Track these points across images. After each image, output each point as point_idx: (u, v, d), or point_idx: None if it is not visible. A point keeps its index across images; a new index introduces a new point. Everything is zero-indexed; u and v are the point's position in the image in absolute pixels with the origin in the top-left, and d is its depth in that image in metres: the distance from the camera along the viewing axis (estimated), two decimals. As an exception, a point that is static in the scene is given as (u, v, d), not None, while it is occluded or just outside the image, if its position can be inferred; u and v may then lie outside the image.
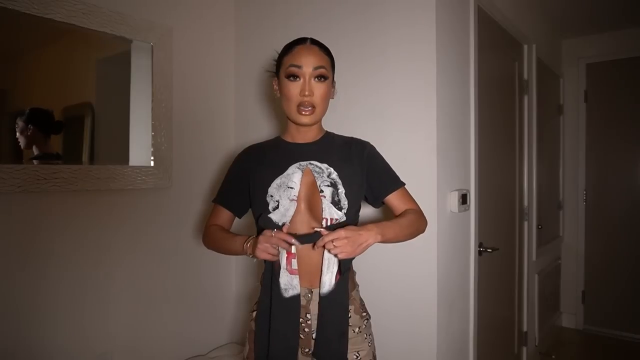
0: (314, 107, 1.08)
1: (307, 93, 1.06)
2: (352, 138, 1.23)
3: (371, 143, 1.22)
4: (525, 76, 2.59)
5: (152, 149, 1.80)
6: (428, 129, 1.55)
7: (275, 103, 1.99)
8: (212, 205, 1.25)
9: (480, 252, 1.90)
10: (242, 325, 2.16)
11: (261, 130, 2.05)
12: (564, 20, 3.07)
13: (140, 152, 1.78)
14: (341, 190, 1.09)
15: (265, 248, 1.00)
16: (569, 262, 3.50)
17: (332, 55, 1.14)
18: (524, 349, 2.56)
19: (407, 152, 1.58)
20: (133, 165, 1.74)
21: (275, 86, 1.17)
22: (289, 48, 1.12)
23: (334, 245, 0.96)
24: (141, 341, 1.79)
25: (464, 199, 1.69)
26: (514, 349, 2.46)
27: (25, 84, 1.49)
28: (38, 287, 1.49)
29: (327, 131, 1.22)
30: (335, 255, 1.00)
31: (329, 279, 1.04)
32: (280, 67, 1.12)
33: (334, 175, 1.10)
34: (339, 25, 1.75)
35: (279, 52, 1.16)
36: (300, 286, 1.07)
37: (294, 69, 1.08)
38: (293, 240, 0.99)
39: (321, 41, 1.15)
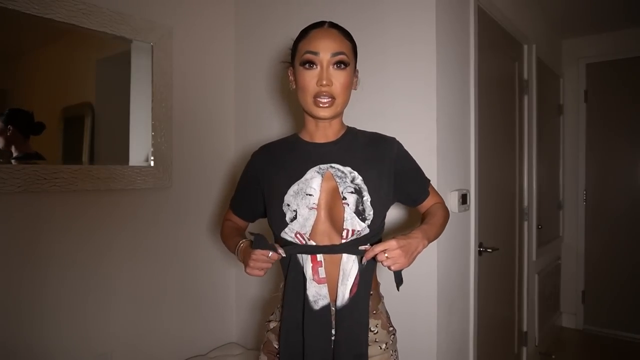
0: (333, 98, 0.97)
1: (324, 82, 0.95)
2: (376, 134, 1.12)
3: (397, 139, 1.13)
4: (525, 76, 2.59)
5: (152, 149, 1.80)
6: (428, 128, 1.55)
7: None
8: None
9: (480, 252, 1.90)
10: (242, 325, 2.16)
11: (261, 130, 2.05)
12: (564, 20, 3.07)
13: (140, 152, 1.78)
14: (366, 197, 0.98)
15: (251, 271, 0.95)
16: (569, 262, 3.50)
17: (354, 40, 1.04)
18: (524, 349, 2.56)
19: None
20: (133, 165, 1.74)
21: (290, 77, 1.06)
22: (304, 33, 1.01)
23: (386, 257, 0.89)
24: (141, 341, 1.79)
25: (464, 199, 1.69)
26: (514, 349, 2.46)
27: (25, 84, 1.49)
28: (38, 287, 1.49)
29: (348, 127, 1.11)
30: (389, 267, 0.91)
31: (342, 292, 0.96)
32: (295, 55, 1.01)
33: (359, 180, 0.99)
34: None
35: (294, 38, 1.05)
36: None
37: (309, 56, 0.96)
38: (270, 255, 0.92)
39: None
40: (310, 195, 0.98)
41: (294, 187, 0.99)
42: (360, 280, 0.97)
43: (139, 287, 1.78)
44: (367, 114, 1.68)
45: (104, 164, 1.64)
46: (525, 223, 2.60)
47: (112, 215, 1.69)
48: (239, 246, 1.03)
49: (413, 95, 1.58)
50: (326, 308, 0.96)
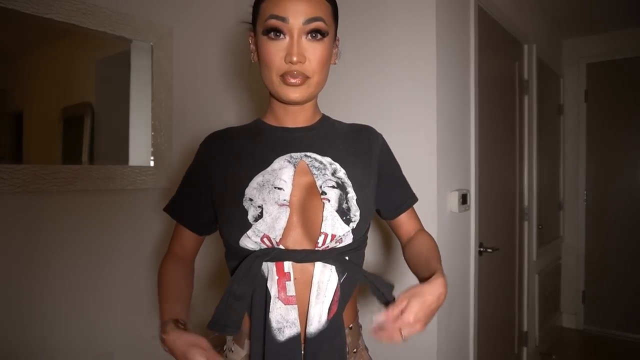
0: (305, 76, 0.75)
1: (294, 58, 0.73)
2: (355, 124, 0.92)
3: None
4: (526, 76, 2.59)
5: (152, 149, 1.80)
6: (428, 129, 1.55)
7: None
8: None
9: (480, 252, 1.90)
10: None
11: (261, 130, 2.04)
12: (564, 20, 3.07)
13: (140, 152, 1.78)
14: (351, 195, 0.77)
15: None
16: (569, 262, 3.49)
17: (335, 4, 0.81)
18: (524, 349, 2.56)
19: (407, 152, 1.57)
20: (133, 165, 1.74)
21: (251, 45, 0.83)
22: None
23: (408, 331, 0.66)
24: (142, 341, 1.79)
25: (464, 199, 1.69)
26: (514, 349, 2.46)
27: (25, 84, 1.49)
28: (38, 287, 1.49)
29: (324, 114, 0.90)
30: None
31: (317, 313, 0.73)
32: (257, 18, 0.77)
33: (341, 173, 0.79)
34: (340, 25, 1.75)
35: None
36: None
37: (275, 22, 0.73)
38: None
39: None
40: (279, 189, 0.75)
41: (258, 179, 0.76)
42: (341, 297, 0.75)
43: (139, 286, 1.78)
44: (367, 114, 1.68)
45: (103, 164, 1.64)
46: (526, 223, 2.59)
47: (111, 215, 1.69)
48: (164, 328, 0.72)
49: (413, 95, 1.58)
50: (294, 340, 0.72)
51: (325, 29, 0.76)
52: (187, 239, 0.89)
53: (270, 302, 0.73)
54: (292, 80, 0.74)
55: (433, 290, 0.70)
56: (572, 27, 3.26)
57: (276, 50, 0.74)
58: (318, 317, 0.73)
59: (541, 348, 2.85)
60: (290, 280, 0.73)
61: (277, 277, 0.73)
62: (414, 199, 0.94)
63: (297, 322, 0.73)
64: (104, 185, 1.63)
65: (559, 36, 3.42)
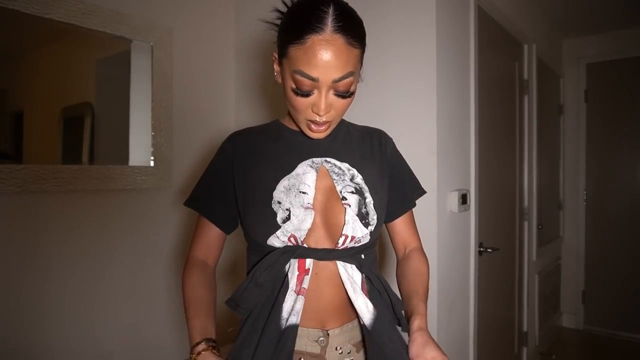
0: (329, 122, 0.79)
1: (322, 113, 0.76)
2: (367, 128, 0.96)
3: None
4: (526, 76, 2.59)
5: (152, 149, 1.80)
6: (428, 129, 1.55)
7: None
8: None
9: (480, 252, 1.90)
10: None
11: (261, 130, 2.04)
12: (564, 20, 3.07)
13: (140, 152, 1.78)
14: (369, 200, 0.83)
15: None
16: (569, 262, 3.50)
17: (363, 36, 0.82)
18: (524, 349, 2.56)
19: (407, 152, 1.56)
20: (133, 165, 1.74)
21: (275, 67, 0.83)
22: (298, 33, 0.72)
23: None
24: (142, 341, 1.79)
25: (464, 199, 1.69)
26: (514, 349, 2.46)
27: (25, 84, 1.49)
28: (38, 287, 1.49)
29: (342, 119, 0.91)
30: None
31: (363, 304, 0.79)
32: (283, 56, 0.77)
33: (359, 179, 0.84)
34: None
35: (279, 13, 0.82)
36: (308, 327, 0.80)
37: (305, 82, 0.73)
38: None
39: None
40: (304, 193, 0.80)
41: (284, 182, 0.81)
42: (369, 288, 0.83)
43: (140, 287, 1.78)
44: (367, 114, 1.68)
45: (103, 164, 1.64)
46: (526, 223, 2.59)
47: (111, 215, 1.68)
48: (198, 347, 0.76)
49: (413, 96, 1.58)
50: (292, 329, 0.76)
51: (353, 86, 0.77)
52: (213, 238, 0.90)
53: (287, 293, 0.78)
54: (317, 127, 0.79)
55: (425, 340, 0.77)
56: (572, 27, 3.26)
57: (304, 104, 0.77)
58: (365, 307, 0.79)
59: (541, 348, 2.85)
60: (308, 275, 0.79)
61: (297, 273, 0.79)
62: (410, 205, 0.95)
63: (300, 313, 0.77)
64: (104, 185, 1.63)
65: (559, 36, 3.42)
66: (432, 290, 1.55)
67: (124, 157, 1.74)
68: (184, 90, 1.93)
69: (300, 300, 0.77)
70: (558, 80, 3.43)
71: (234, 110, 2.18)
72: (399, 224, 0.95)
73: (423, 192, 0.99)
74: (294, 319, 0.76)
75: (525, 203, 2.60)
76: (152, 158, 1.80)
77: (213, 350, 0.76)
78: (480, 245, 1.91)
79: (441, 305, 1.56)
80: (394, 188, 0.92)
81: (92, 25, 1.58)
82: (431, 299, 1.55)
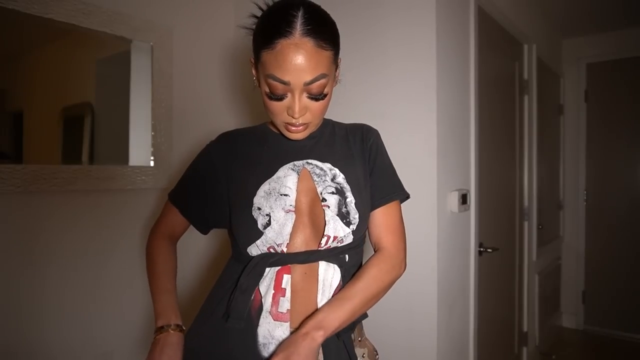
0: (307, 124, 0.80)
1: (296, 116, 0.76)
2: (354, 125, 0.95)
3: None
4: (526, 76, 2.59)
5: (152, 149, 1.80)
6: (428, 129, 1.55)
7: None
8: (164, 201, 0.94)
9: (480, 252, 1.90)
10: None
11: (261, 130, 2.05)
12: (564, 20, 3.07)
13: (140, 152, 1.78)
14: (350, 199, 0.82)
15: None
16: (569, 262, 3.50)
17: (336, 39, 0.80)
18: (524, 349, 2.56)
19: (407, 152, 1.58)
20: (133, 165, 1.74)
21: (253, 71, 0.82)
22: (267, 37, 0.73)
23: None
24: (142, 341, 1.79)
25: (464, 199, 1.69)
26: (514, 349, 2.46)
27: (25, 84, 1.49)
28: (38, 287, 1.49)
29: (326, 119, 0.93)
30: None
31: None
32: (257, 61, 0.77)
33: (340, 178, 0.84)
34: (340, 26, 1.75)
35: (256, 19, 0.80)
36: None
37: (276, 85, 0.74)
38: None
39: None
40: (285, 195, 0.80)
41: (265, 187, 0.81)
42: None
43: (139, 286, 1.78)
44: (366, 115, 1.68)
45: (103, 164, 1.64)
46: (526, 223, 2.59)
47: (111, 215, 1.68)
48: (159, 332, 0.79)
49: (413, 96, 1.58)
50: None
51: (326, 88, 0.77)
52: (179, 226, 0.94)
53: (261, 315, 0.77)
54: (294, 129, 0.79)
55: (289, 343, 0.71)
56: (572, 27, 3.26)
57: (279, 107, 0.77)
58: None
59: (541, 348, 2.85)
60: (285, 296, 0.77)
61: (273, 292, 0.77)
62: (393, 195, 0.89)
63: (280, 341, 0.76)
64: (104, 185, 1.63)
65: (559, 36, 3.42)
66: (432, 290, 1.55)
67: (124, 157, 1.74)
68: (184, 90, 1.93)
69: (281, 328, 0.76)
70: (558, 80, 3.43)
71: (233, 110, 2.18)
72: (373, 219, 0.88)
73: (403, 194, 0.91)
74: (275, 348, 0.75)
75: (525, 203, 2.60)
76: (152, 158, 1.80)
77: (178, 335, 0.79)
78: (480, 245, 1.91)
79: (441, 305, 1.56)
80: (377, 177, 0.89)
81: (92, 25, 1.58)
82: (431, 299, 1.55)
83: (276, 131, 0.90)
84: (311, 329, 0.71)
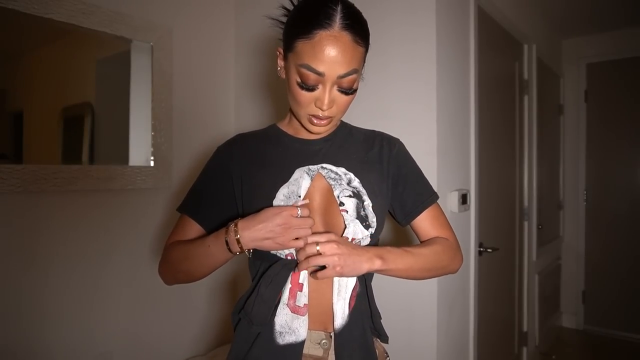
0: (331, 118, 0.80)
1: (325, 108, 0.76)
2: (373, 131, 0.96)
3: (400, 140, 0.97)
4: (526, 76, 2.59)
5: (152, 149, 1.80)
6: (428, 129, 1.55)
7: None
8: (176, 218, 0.94)
9: (480, 252, 1.90)
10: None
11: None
12: (564, 20, 3.07)
13: (140, 152, 1.78)
14: (367, 202, 0.83)
15: (284, 241, 0.75)
16: (569, 262, 3.50)
17: (368, 36, 0.82)
18: (524, 349, 2.56)
19: (407, 152, 1.58)
20: (133, 165, 1.74)
21: (280, 62, 0.83)
22: (306, 28, 0.73)
23: (317, 251, 0.72)
24: (142, 341, 1.79)
25: (464, 199, 1.69)
26: (514, 349, 2.46)
27: (25, 84, 1.49)
28: (38, 287, 1.49)
29: (343, 122, 0.94)
30: (308, 269, 0.77)
31: (341, 309, 0.79)
32: (289, 51, 0.77)
33: (356, 182, 0.84)
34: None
35: (285, 10, 0.82)
36: (311, 330, 0.80)
37: (310, 76, 0.74)
38: (299, 207, 0.75)
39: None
40: (300, 197, 0.82)
41: (284, 190, 0.81)
42: (360, 292, 0.83)
43: (140, 286, 1.78)
44: (367, 114, 1.68)
45: (103, 164, 1.64)
46: (526, 223, 2.59)
47: (111, 215, 1.68)
48: (231, 230, 0.77)
49: (413, 95, 1.58)
50: (293, 348, 0.77)
51: (355, 84, 0.78)
52: (193, 232, 0.91)
53: (277, 307, 0.79)
54: (318, 122, 0.79)
55: (355, 247, 0.76)
56: (572, 27, 3.26)
57: (308, 98, 0.77)
58: (341, 313, 0.79)
59: (541, 348, 2.85)
60: (302, 291, 0.79)
61: (290, 286, 0.79)
62: (430, 199, 0.93)
63: (300, 332, 0.78)
64: (104, 185, 1.63)
65: (559, 36, 3.42)
66: (432, 290, 1.55)
67: (124, 157, 1.74)
68: (184, 90, 1.93)
69: (298, 321, 0.78)
70: (558, 80, 3.43)
71: (233, 110, 2.18)
72: (420, 225, 0.93)
73: (436, 195, 0.96)
74: (291, 338, 0.77)
75: (525, 203, 2.60)
76: (152, 158, 1.80)
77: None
78: (480, 245, 1.91)
79: (441, 305, 1.56)
80: (410, 187, 0.92)
81: (92, 25, 1.58)
82: (431, 299, 1.55)
83: (288, 132, 0.90)
84: (374, 253, 0.76)
